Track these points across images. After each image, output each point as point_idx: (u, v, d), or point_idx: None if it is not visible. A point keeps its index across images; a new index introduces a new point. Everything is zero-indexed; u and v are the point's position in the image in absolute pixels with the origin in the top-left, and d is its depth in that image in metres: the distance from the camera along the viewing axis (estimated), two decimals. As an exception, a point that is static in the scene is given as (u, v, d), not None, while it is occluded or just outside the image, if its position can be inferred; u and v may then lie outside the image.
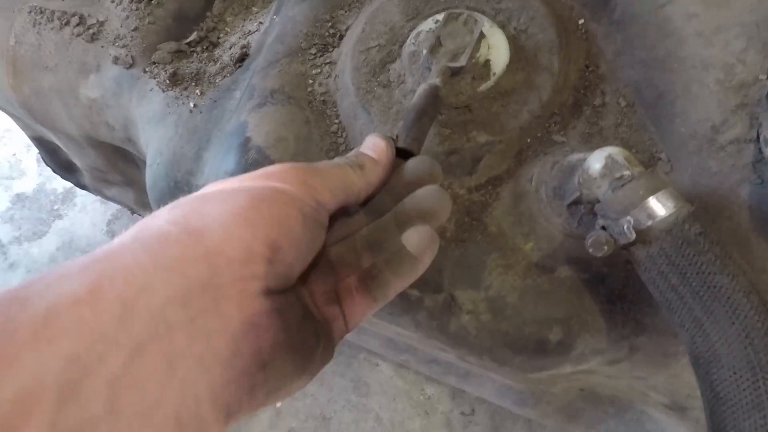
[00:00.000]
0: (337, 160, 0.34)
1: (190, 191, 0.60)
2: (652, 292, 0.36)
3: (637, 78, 0.47)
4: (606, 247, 0.35)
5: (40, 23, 0.72)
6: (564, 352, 0.44)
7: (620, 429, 0.67)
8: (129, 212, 1.23)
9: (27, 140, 1.47)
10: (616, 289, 0.43)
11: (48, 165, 1.07)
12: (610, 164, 0.37)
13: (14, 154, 1.47)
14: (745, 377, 0.30)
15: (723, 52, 0.43)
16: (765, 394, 0.29)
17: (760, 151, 0.38)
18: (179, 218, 0.24)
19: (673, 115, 0.44)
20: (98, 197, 1.30)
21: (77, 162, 0.97)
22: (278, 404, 1.06)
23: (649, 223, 0.34)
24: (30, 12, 0.73)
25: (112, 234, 1.29)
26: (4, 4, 0.74)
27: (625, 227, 0.34)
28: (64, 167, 1.05)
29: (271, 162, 0.50)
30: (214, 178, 0.55)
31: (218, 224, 0.24)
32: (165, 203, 0.66)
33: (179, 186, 0.61)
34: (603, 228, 0.37)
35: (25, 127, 0.97)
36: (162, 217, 0.25)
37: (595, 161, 0.38)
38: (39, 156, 1.45)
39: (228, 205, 0.25)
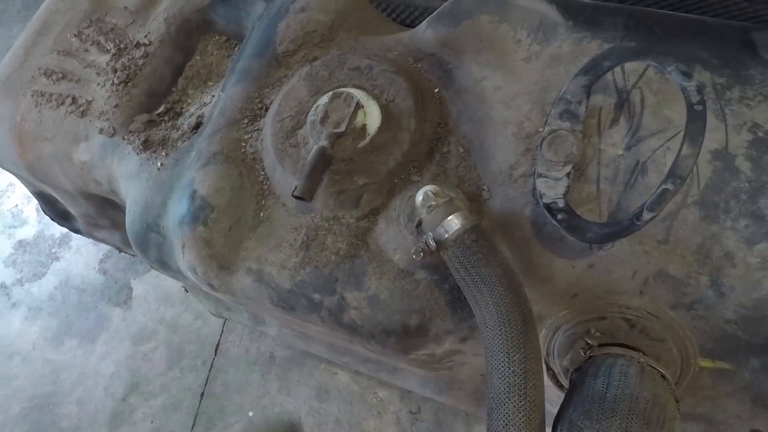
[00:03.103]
0: None
1: (159, 231, 0.78)
2: (457, 281, 0.53)
3: (469, 131, 0.65)
4: (422, 254, 0.53)
5: (41, 104, 0.92)
6: (423, 333, 0.61)
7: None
8: (117, 251, 1.40)
9: (27, 193, 1.66)
10: (455, 285, 0.60)
11: (47, 214, 1.24)
12: (425, 197, 0.54)
13: (16, 206, 1.65)
14: (495, 332, 0.47)
15: (517, 113, 0.61)
16: (505, 340, 0.46)
17: (534, 182, 0.56)
18: None
19: (489, 158, 0.62)
20: (90, 240, 1.48)
21: (72, 210, 1.15)
22: (250, 413, 1.20)
23: (446, 235, 0.52)
24: (33, 95, 0.92)
25: (104, 271, 1.45)
26: (11, 90, 0.94)
27: (430, 239, 0.52)
28: (60, 215, 1.22)
29: (211, 206, 0.67)
30: (173, 220, 0.72)
31: None
32: (141, 240, 0.84)
33: (150, 227, 0.78)
34: (424, 241, 0.54)
35: (27, 183, 1.15)
36: None
37: (419, 195, 0.55)
38: (38, 207, 1.63)
39: None
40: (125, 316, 1.37)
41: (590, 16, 0.65)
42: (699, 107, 0.47)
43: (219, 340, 1.28)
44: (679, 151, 0.46)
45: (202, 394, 1.24)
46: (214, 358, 1.27)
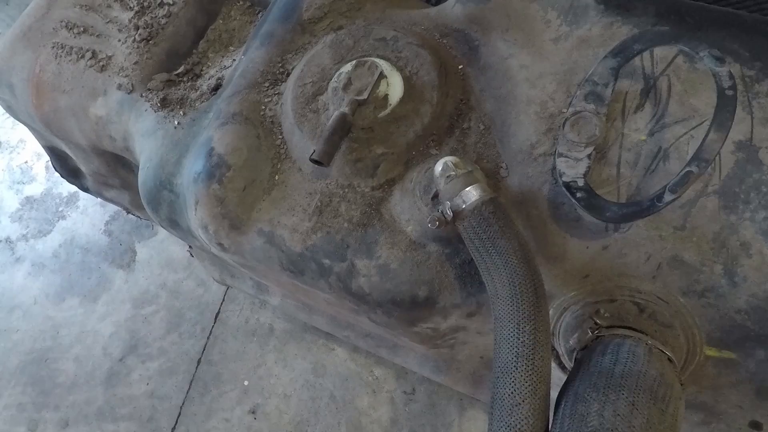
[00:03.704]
0: None
1: (171, 189, 0.78)
2: (471, 253, 0.53)
3: (492, 109, 0.65)
4: (438, 223, 0.53)
5: (60, 56, 0.91)
6: (430, 305, 0.61)
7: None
8: (124, 213, 1.40)
9: (38, 149, 1.66)
10: (466, 259, 0.60)
11: (57, 170, 1.24)
12: (445, 167, 0.54)
13: (26, 162, 1.65)
14: (507, 303, 0.47)
15: (541, 92, 0.61)
16: (516, 312, 0.46)
17: (555, 161, 0.56)
18: None
19: (510, 136, 0.62)
20: (97, 201, 1.48)
21: (83, 168, 1.15)
22: (246, 383, 1.21)
23: (463, 206, 0.52)
24: (53, 47, 0.92)
25: (109, 233, 1.46)
26: (32, 41, 0.94)
27: (447, 208, 0.52)
28: (70, 172, 1.22)
29: (228, 165, 0.67)
30: (187, 176, 0.72)
31: None
32: (153, 197, 0.84)
33: (163, 184, 0.78)
34: (440, 211, 0.54)
35: (40, 137, 1.15)
36: None
37: (438, 165, 0.55)
38: (48, 164, 1.64)
39: None
40: (127, 279, 1.37)
41: (622, 1, 0.64)
42: (730, 92, 0.47)
43: (219, 309, 1.29)
44: (706, 134, 0.45)
45: (199, 360, 1.25)
46: (213, 326, 1.27)
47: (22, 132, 1.67)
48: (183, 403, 1.22)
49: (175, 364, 1.25)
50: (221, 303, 1.30)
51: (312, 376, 1.19)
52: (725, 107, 0.46)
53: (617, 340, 0.49)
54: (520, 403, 0.43)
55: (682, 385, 0.46)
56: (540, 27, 0.64)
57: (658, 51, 0.58)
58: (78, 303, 1.36)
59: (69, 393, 1.25)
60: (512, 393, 0.43)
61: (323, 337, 1.20)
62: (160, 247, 1.39)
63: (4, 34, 0.99)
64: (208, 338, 1.26)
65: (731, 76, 0.47)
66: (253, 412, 1.18)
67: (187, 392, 1.22)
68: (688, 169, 0.44)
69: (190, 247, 1.25)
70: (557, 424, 0.44)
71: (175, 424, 1.20)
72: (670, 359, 0.47)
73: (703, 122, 0.56)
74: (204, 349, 1.25)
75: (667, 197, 0.45)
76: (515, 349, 0.44)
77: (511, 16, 0.67)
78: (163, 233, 1.39)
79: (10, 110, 1.04)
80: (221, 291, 1.31)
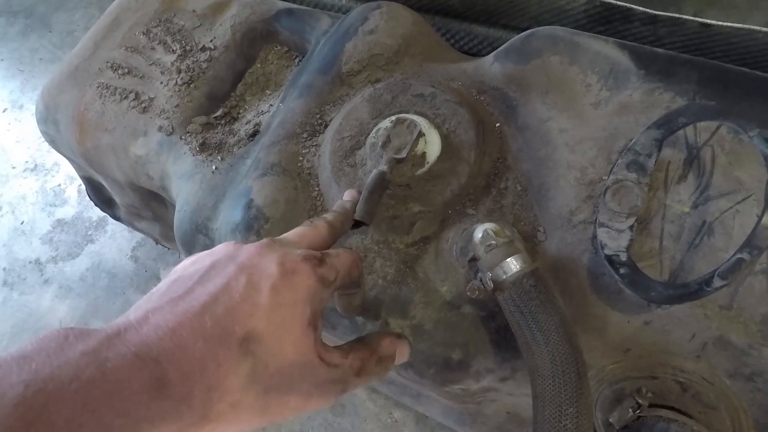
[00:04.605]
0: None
1: (207, 233, 0.79)
2: (510, 324, 0.53)
3: (529, 170, 0.65)
4: (477, 292, 0.52)
5: (104, 96, 0.95)
6: (464, 369, 0.60)
7: (539, 447, 0.81)
8: (153, 242, 1.43)
9: (71, 173, 1.71)
10: (502, 324, 0.59)
11: (91, 199, 1.28)
12: (485, 235, 0.54)
13: (59, 185, 1.70)
14: (548, 382, 0.46)
15: (581, 158, 0.61)
16: (558, 393, 0.45)
17: (595, 230, 0.55)
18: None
19: (548, 200, 0.62)
20: (127, 228, 1.51)
21: (117, 199, 1.18)
22: (264, 418, 1.20)
23: (504, 277, 0.51)
24: (98, 87, 0.96)
25: (135, 259, 1.48)
26: (78, 80, 0.98)
27: (487, 279, 0.51)
28: (104, 202, 1.26)
29: (266, 218, 0.68)
30: (225, 226, 0.74)
31: None
32: (188, 240, 0.85)
33: (199, 228, 0.80)
34: (480, 279, 0.54)
35: (79, 169, 1.19)
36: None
37: (477, 232, 0.55)
38: (80, 187, 1.68)
39: None
40: (152, 306, 1.39)
41: (663, 66, 0.65)
42: (781, 177, 0.46)
43: (241, 341, 1.29)
44: (759, 220, 0.45)
45: (218, 393, 1.24)
46: (234, 358, 1.27)
47: (57, 155, 1.72)
48: (200, 436, 1.21)
49: (194, 395, 1.25)
50: (242, 334, 1.30)
51: (330, 416, 1.17)
52: (777, 192, 0.45)
53: (661, 423, 0.48)
54: (562, 490, 0.42)
55: (731, 478, 0.44)
56: (580, 90, 0.65)
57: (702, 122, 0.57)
58: (102, 328, 1.38)
59: (89, 419, 1.26)
60: (554, 479, 0.42)
61: (343, 376, 1.19)
62: (184, 276, 1.41)
63: (53, 72, 1.03)
64: (228, 370, 1.26)
65: (783, 160, 0.47)
66: (271, 450, 1.17)
67: None
68: (739, 256, 0.44)
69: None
70: None
71: (192, 457, 1.19)
72: (718, 448, 0.46)
73: (749, 196, 0.55)
74: (224, 382, 1.25)
75: (717, 283, 0.45)
76: (558, 434, 0.43)
77: (551, 79, 0.67)
78: (188, 262, 1.41)
79: (53, 144, 1.08)
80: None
